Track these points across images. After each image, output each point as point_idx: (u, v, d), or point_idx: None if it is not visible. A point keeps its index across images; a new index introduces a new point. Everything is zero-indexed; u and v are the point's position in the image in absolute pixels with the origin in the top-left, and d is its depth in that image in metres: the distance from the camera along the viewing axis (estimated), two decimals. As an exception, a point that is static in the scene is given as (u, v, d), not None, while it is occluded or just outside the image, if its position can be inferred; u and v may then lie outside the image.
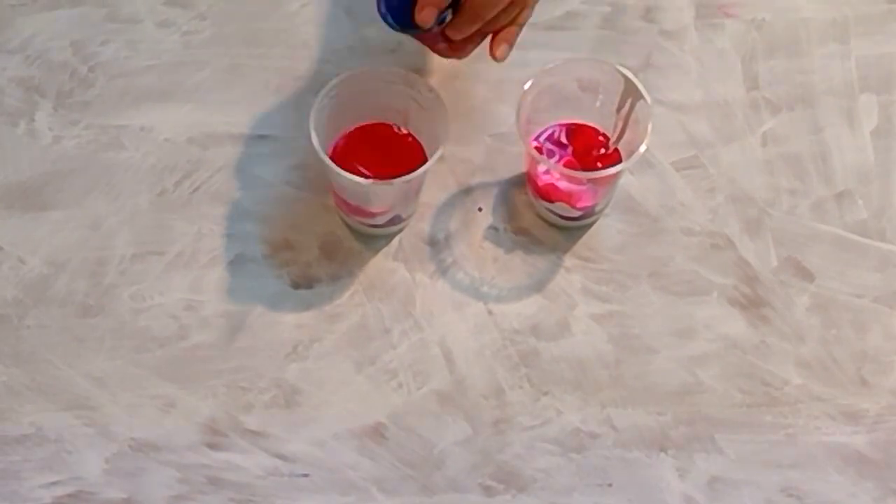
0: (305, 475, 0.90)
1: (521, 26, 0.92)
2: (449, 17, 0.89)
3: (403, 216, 0.95)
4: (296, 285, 0.95)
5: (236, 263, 0.95)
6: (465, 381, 0.92)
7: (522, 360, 0.93)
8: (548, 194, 0.94)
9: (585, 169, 0.94)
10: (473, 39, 0.92)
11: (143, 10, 1.04)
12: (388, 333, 0.93)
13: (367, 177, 0.90)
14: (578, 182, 0.92)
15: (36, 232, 0.96)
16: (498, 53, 0.91)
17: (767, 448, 0.91)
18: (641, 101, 0.90)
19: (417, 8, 0.87)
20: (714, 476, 0.90)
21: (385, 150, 0.94)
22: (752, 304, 0.95)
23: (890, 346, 0.94)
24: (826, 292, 0.95)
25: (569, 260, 0.96)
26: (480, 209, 0.97)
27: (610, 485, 0.90)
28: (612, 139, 0.94)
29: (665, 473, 0.90)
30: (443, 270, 0.95)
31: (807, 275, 0.96)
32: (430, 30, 0.89)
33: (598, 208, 0.96)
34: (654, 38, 1.03)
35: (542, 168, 0.93)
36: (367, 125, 0.94)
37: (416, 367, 0.93)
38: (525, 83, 0.91)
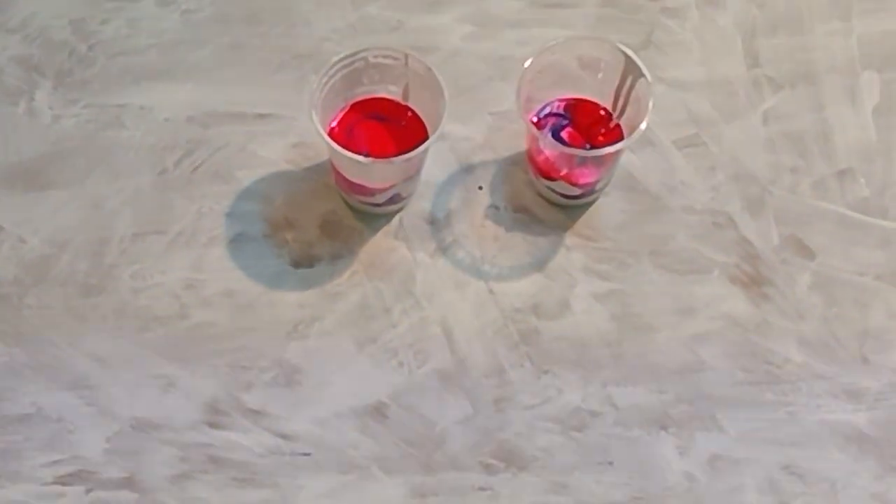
0: (307, 454, 0.90)
1: None
2: None
3: (404, 195, 0.95)
4: (296, 264, 0.95)
5: (237, 242, 0.95)
6: (465, 360, 0.92)
7: (523, 339, 0.93)
8: (548, 172, 0.94)
9: (588, 142, 0.93)
10: None
11: (143, -12, 1.04)
12: (389, 312, 0.93)
13: (367, 155, 0.90)
14: (574, 163, 0.92)
15: (37, 211, 0.96)
16: None
17: (768, 426, 0.91)
18: (642, 80, 0.90)
19: None
20: (715, 454, 0.90)
21: (385, 128, 0.93)
22: (754, 282, 0.95)
23: (891, 325, 0.94)
24: (828, 270, 0.95)
25: (570, 238, 0.96)
26: (481, 188, 0.97)
27: (611, 463, 0.90)
28: (613, 118, 0.94)
29: (666, 451, 0.90)
30: (443, 249, 0.95)
31: (808, 253, 0.95)
32: None
33: (598, 187, 0.95)
34: (656, 15, 1.03)
35: (542, 146, 0.93)
36: (367, 104, 0.94)
37: (417, 346, 0.93)
38: (526, 61, 0.91)
